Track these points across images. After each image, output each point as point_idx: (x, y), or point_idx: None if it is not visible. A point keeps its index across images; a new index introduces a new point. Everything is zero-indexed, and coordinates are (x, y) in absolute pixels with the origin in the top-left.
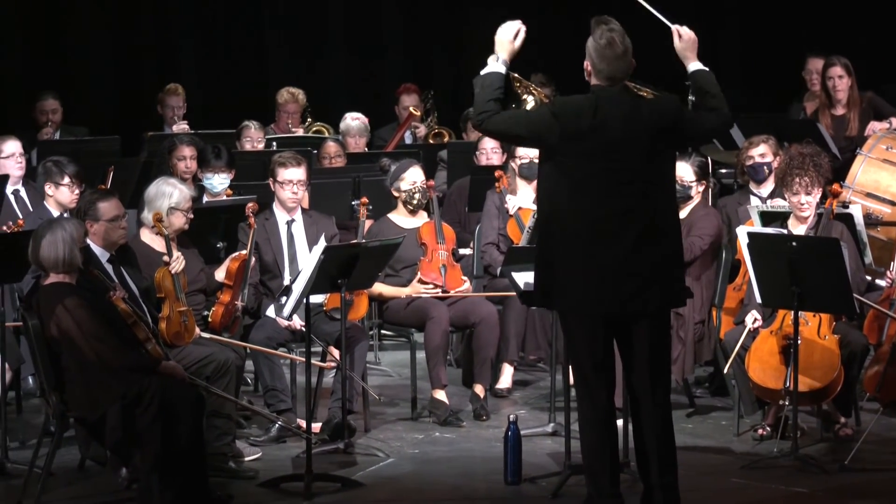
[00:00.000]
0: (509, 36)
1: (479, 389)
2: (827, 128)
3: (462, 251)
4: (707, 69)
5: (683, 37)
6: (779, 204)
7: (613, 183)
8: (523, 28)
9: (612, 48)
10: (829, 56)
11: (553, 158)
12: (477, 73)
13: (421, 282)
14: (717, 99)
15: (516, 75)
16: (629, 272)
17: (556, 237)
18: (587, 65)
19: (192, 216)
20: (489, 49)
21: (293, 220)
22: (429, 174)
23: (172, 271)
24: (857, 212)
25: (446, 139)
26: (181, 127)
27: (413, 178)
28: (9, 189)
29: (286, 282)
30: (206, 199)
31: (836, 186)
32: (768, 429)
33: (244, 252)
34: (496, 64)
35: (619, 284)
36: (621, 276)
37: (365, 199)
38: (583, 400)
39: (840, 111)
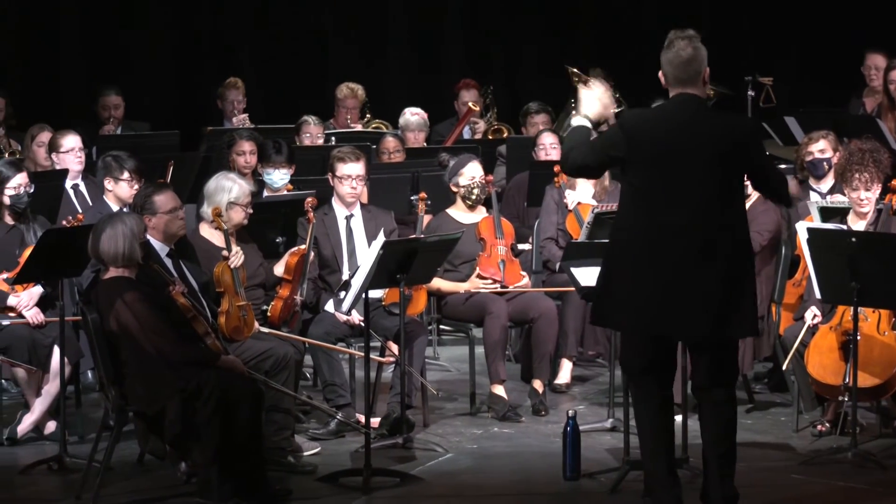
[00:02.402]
0: (594, 100)
1: (537, 385)
2: (891, 131)
3: (521, 246)
4: None
5: None
6: (838, 200)
7: (672, 196)
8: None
9: (680, 54)
10: (892, 59)
11: (625, 172)
12: (535, 68)
13: (480, 277)
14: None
15: (575, 70)
16: (679, 295)
17: (615, 251)
18: (661, 76)
19: (251, 211)
20: (550, 45)
21: (352, 215)
22: (487, 169)
23: (232, 266)
24: None
25: (505, 135)
26: (241, 119)
27: (472, 173)
28: (68, 184)
29: (345, 277)
30: (265, 193)
31: (895, 182)
32: (827, 425)
33: (303, 247)
34: (582, 119)
35: (669, 308)
36: (671, 299)
37: (424, 195)
38: (637, 396)
39: None
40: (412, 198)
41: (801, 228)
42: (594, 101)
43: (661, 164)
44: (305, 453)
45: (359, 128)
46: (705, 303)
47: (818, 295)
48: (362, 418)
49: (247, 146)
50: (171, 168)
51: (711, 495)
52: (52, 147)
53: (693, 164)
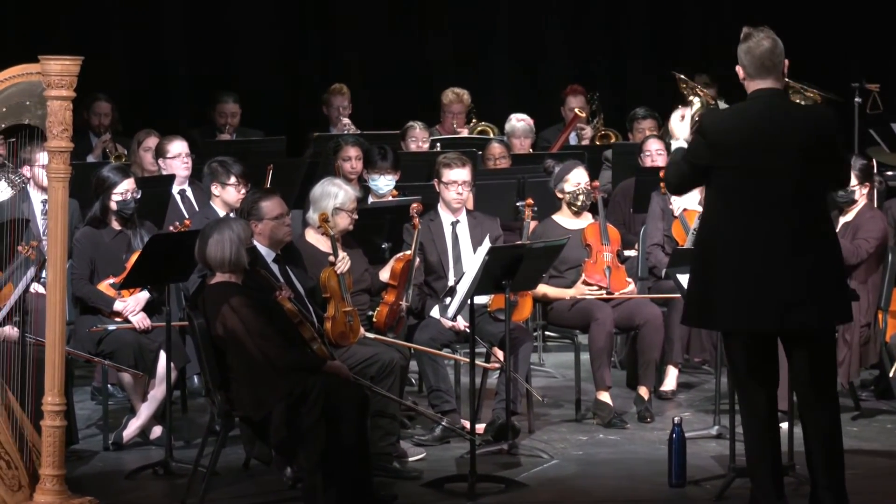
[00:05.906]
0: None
1: (643, 391)
2: None
3: (627, 253)
4: None
5: None
6: None
7: (762, 192)
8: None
9: (761, 45)
10: None
11: (711, 175)
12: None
13: (585, 283)
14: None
15: (682, 76)
16: (781, 287)
17: (707, 252)
18: (739, 69)
19: (356, 216)
20: (657, 50)
21: (458, 221)
22: (593, 175)
23: (338, 271)
24: None
25: (612, 140)
26: (345, 123)
27: (577, 179)
28: (175, 189)
29: (451, 282)
30: (371, 199)
31: None
32: None
33: (409, 252)
34: (680, 143)
35: (772, 300)
36: (773, 292)
37: (530, 200)
38: (742, 403)
39: None
40: (518, 204)
41: None
42: (686, 125)
43: (748, 162)
44: (411, 459)
45: (465, 133)
46: (807, 293)
47: None
48: (467, 424)
49: (352, 152)
50: (271, 173)
51: (821, 503)
52: (159, 152)
53: (780, 159)
